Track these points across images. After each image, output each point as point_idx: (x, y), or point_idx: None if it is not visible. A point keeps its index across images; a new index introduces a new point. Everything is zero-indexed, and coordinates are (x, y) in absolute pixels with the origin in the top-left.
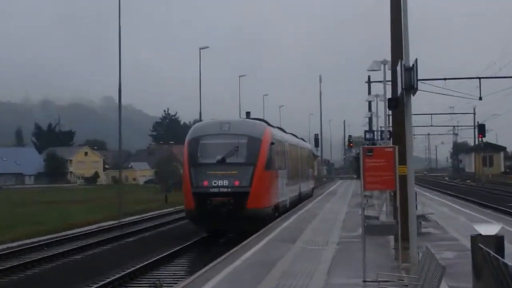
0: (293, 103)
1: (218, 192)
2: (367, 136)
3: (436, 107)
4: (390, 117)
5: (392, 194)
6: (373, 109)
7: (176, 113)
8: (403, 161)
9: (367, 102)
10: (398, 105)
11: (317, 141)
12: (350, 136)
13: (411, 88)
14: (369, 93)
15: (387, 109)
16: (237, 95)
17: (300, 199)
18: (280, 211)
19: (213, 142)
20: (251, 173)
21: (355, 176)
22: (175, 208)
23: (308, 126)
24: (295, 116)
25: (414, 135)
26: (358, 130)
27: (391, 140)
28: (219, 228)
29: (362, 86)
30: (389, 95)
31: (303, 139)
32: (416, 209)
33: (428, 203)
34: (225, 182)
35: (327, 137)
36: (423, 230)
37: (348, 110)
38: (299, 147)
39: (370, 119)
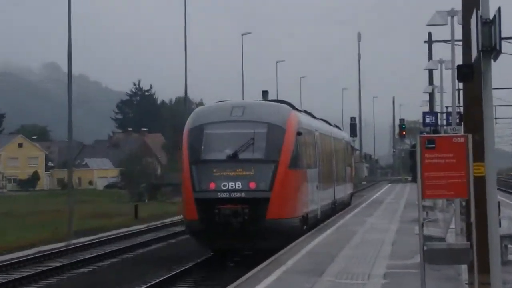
0: (316, 72)
1: (229, 198)
2: (427, 120)
3: None
4: (461, 92)
5: (464, 204)
6: (436, 81)
7: (151, 87)
8: (480, 156)
9: (427, 72)
10: (472, 75)
11: (354, 127)
12: (402, 120)
13: (491, 49)
14: (430, 58)
15: (457, 81)
16: (239, 61)
17: (334, 209)
18: (309, 223)
19: (222, 132)
20: (272, 173)
21: (410, 178)
22: (148, 225)
23: (341, 106)
24: (320, 91)
25: (495, 118)
26: (413, 111)
27: (462, 126)
28: (229, 246)
29: (420, 48)
30: (459, 61)
31: (337, 127)
32: (500, 226)
33: None
34: (238, 185)
35: (369, 122)
36: (511, 257)
37: (400, 83)
38: (333, 137)
39: (432, 95)
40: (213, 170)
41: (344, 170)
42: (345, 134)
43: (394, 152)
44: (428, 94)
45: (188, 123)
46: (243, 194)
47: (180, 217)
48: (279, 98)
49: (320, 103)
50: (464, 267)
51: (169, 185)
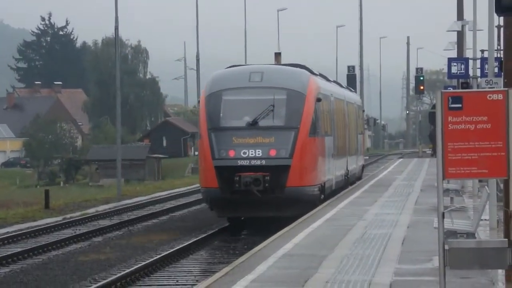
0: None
1: (249, 166)
2: (454, 69)
3: None
4: (501, 32)
5: (502, 187)
6: (467, 15)
7: (68, 23)
8: None
9: (455, 2)
10: None
11: (352, 80)
12: (419, 70)
13: None
14: None
15: (495, 14)
16: None
17: (347, 181)
18: (326, 193)
19: (240, 98)
20: (293, 140)
21: (429, 151)
22: (64, 218)
23: (335, 50)
24: (302, 26)
25: None
26: (436, 58)
27: (503, 78)
28: (247, 214)
29: None
30: None
31: (349, 88)
32: None
33: None
34: (258, 152)
35: (374, 74)
36: None
37: (418, 19)
38: (346, 102)
39: (461, 35)
40: (232, 137)
41: (356, 139)
42: (357, 97)
43: (407, 114)
44: (456, 33)
45: (205, 89)
46: (263, 162)
47: (112, 205)
48: (295, 62)
49: (308, 46)
50: (501, 272)
51: (94, 163)
